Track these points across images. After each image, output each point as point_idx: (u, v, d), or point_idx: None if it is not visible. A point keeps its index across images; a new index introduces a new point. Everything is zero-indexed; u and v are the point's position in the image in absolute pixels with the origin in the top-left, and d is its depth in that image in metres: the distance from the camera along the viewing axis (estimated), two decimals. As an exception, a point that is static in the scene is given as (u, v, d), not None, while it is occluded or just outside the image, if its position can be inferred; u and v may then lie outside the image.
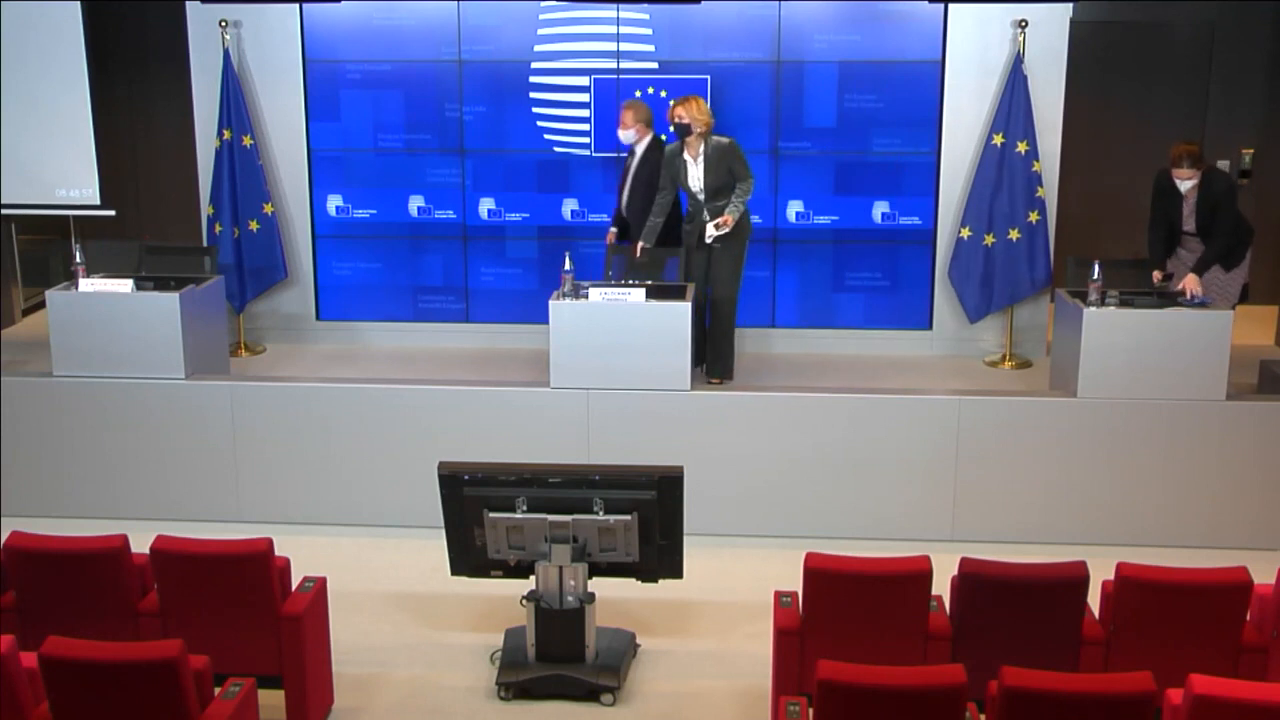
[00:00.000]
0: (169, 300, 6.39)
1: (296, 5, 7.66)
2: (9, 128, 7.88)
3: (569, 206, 7.97)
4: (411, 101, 7.90)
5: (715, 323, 7.07)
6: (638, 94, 7.69)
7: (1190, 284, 6.62)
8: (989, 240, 7.49)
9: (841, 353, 7.87)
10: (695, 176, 6.86)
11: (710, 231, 6.81)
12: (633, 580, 4.95)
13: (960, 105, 7.60)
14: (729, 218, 6.75)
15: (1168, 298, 6.39)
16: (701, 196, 6.87)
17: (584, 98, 7.78)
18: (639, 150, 7.27)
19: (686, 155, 6.86)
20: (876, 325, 7.96)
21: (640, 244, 7.01)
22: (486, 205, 8.03)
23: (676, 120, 6.78)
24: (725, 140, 6.83)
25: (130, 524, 5.09)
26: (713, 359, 7.06)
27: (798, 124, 7.76)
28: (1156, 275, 6.87)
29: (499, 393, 6.44)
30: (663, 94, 7.68)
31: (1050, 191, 7.58)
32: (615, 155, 7.88)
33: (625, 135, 7.29)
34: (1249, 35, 8.90)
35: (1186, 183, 6.75)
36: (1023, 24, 7.36)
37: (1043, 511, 6.19)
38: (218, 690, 3.97)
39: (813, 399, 6.27)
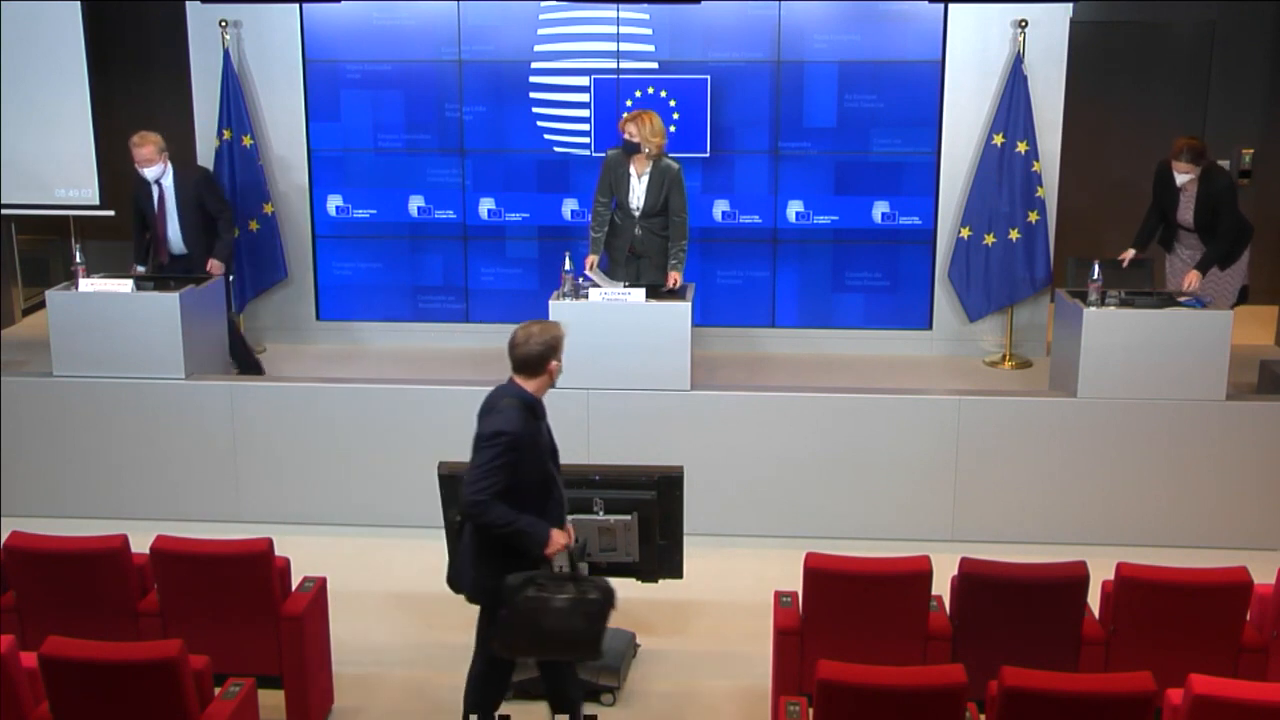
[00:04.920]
0: (169, 300, 6.39)
1: (296, 5, 7.66)
2: (9, 128, 7.88)
3: (569, 206, 7.97)
4: (411, 101, 7.90)
5: None
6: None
7: (1192, 279, 6.64)
8: (989, 240, 7.49)
9: (841, 353, 7.87)
10: (636, 194, 6.68)
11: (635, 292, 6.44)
12: (633, 580, 4.95)
13: (960, 105, 7.60)
14: (677, 276, 6.59)
15: (1167, 297, 6.40)
16: (637, 214, 6.71)
17: (584, 98, 7.77)
18: (166, 182, 6.94)
19: (632, 169, 6.67)
20: (876, 325, 7.96)
21: (592, 259, 6.72)
22: (486, 205, 8.02)
23: (627, 136, 6.60)
24: (674, 166, 6.66)
25: (130, 524, 5.09)
26: None
27: (798, 124, 7.76)
28: (1125, 254, 6.95)
29: (499, 393, 6.43)
30: (663, 94, 7.68)
31: (1050, 191, 7.58)
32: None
33: (153, 171, 6.88)
34: (1249, 35, 8.89)
35: (1184, 176, 6.76)
36: (1023, 24, 7.36)
37: (1043, 511, 6.18)
38: (218, 690, 3.97)
39: (813, 399, 6.26)
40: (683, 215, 6.67)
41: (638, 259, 6.76)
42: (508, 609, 4.02)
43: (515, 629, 4.03)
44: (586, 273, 6.59)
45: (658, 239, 6.68)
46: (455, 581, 4.31)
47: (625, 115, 6.74)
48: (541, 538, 4.05)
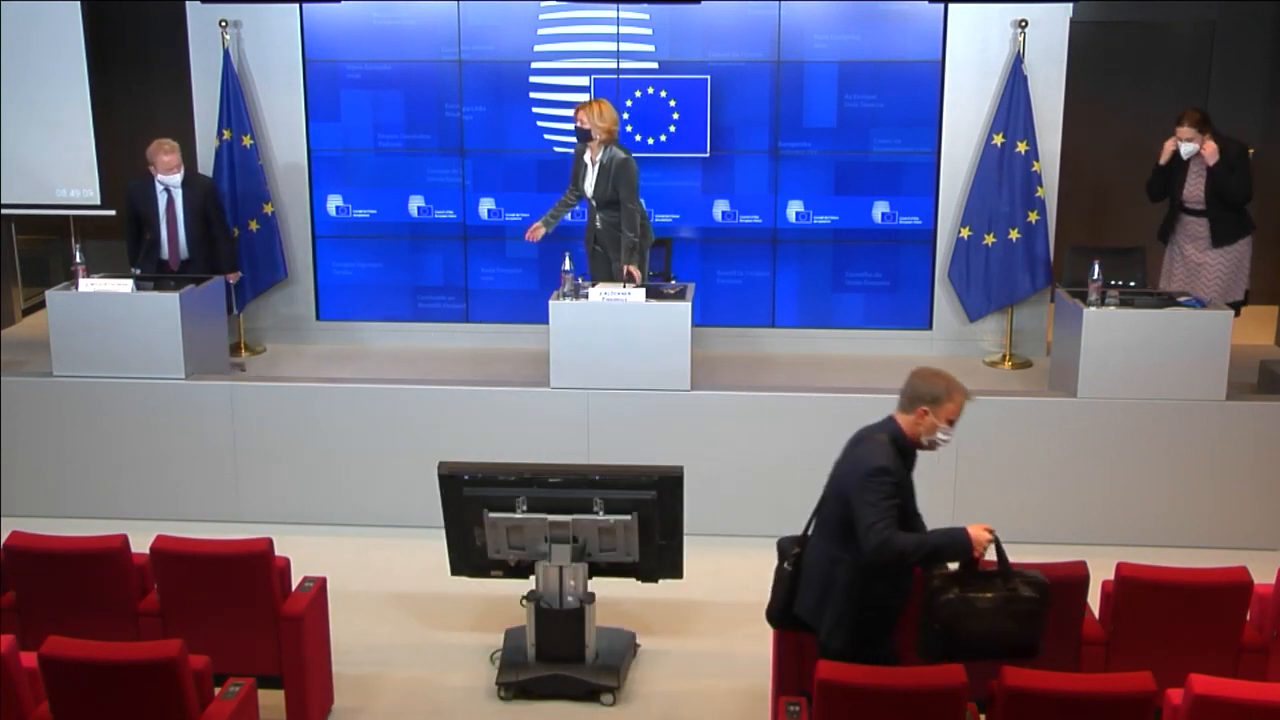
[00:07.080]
0: (169, 300, 6.39)
1: (296, 5, 7.65)
2: (9, 128, 7.88)
3: (569, 206, 7.97)
4: (411, 101, 7.89)
5: None
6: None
7: (1209, 150, 6.62)
8: (989, 240, 7.49)
9: (841, 353, 7.87)
10: (590, 182, 6.72)
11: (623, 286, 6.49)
12: (633, 580, 4.96)
13: (960, 105, 7.60)
14: (632, 269, 6.55)
15: (1167, 297, 6.40)
16: (594, 203, 6.75)
17: (584, 98, 7.76)
18: (174, 187, 7.00)
19: (587, 158, 6.72)
20: (876, 325, 7.96)
21: (536, 227, 6.90)
22: (486, 205, 8.02)
23: (578, 124, 6.63)
24: (622, 155, 6.63)
25: (130, 524, 5.09)
26: None
27: (798, 124, 7.75)
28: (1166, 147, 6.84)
29: (499, 393, 6.44)
30: (663, 94, 7.68)
31: (1050, 191, 7.58)
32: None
33: (175, 178, 6.98)
34: (1249, 35, 8.89)
35: (1188, 145, 6.73)
36: (1023, 24, 7.36)
37: (1043, 511, 6.18)
38: (218, 690, 3.97)
39: (813, 399, 6.26)
40: (631, 205, 6.61)
41: (605, 254, 6.80)
42: (928, 614, 3.84)
43: (936, 634, 3.83)
44: (526, 238, 6.97)
45: (616, 233, 6.68)
46: (795, 618, 4.17)
47: (579, 104, 6.78)
48: (963, 542, 3.82)
